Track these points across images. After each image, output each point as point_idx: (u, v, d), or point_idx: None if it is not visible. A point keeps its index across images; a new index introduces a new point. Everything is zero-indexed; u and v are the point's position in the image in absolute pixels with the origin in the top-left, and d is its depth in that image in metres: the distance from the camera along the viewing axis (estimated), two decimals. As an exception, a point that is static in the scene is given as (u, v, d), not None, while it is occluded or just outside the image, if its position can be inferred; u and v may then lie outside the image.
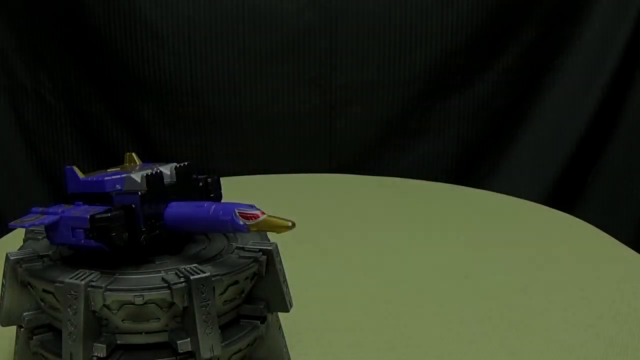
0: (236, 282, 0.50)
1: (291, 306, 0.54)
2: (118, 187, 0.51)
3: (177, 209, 0.51)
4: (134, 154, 0.61)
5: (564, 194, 1.57)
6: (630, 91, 1.55)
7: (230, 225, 0.48)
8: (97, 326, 0.47)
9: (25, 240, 0.56)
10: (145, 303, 0.46)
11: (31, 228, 0.55)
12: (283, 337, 0.56)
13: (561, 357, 0.62)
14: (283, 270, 0.54)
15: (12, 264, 0.51)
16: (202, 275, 0.47)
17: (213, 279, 0.47)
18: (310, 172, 1.47)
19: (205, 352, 0.46)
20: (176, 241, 0.53)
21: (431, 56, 1.49)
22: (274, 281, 0.53)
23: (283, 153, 1.52)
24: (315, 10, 1.45)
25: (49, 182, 1.54)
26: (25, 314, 0.51)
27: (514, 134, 1.59)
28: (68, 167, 0.53)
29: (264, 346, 0.54)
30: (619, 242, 0.94)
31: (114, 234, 0.47)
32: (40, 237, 0.56)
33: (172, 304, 0.46)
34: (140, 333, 0.47)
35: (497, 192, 1.30)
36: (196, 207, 0.51)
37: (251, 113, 1.49)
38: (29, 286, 0.50)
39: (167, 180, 0.53)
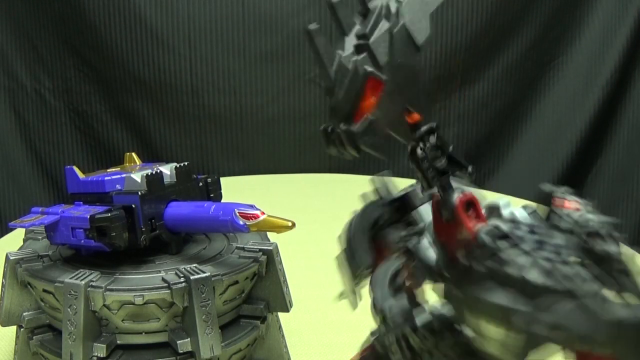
0: (236, 282, 0.50)
1: (291, 306, 0.54)
2: (118, 187, 0.51)
3: (177, 209, 0.52)
4: (134, 154, 0.61)
5: (564, 194, 1.57)
6: (630, 91, 1.55)
7: (230, 225, 0.48)
8: (97, 326, 0.47)
9: (25, 240, 0.56)
10: (145, 303, 0.46)
11: (31, 228, 0.55)
12: (283, 337, 0.56)
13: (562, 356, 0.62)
14: (283, 270, 0.54)
15: (12, 264, 0.51)
16: (202, 275, 0.47)
17: (213, 279, 0.47)
18: (310, 172, 1.47)
19: (205, 352, 0.46)
20: (176, 241, 0.53)
21: (431, 56, 1.49)
22: (274, 281, 0.53)
23: (283, 153, 1.52)
24: (315, 11, 1.45)
25: (49, 182, 1.54)
26: (25, 314, 0.51)
27: (514, 134, 1.59)
28: (68, 167, 0.53)
29: (264, 346, 0.54)
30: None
31: (114, 234, 0.47)
32: (40, 237, 0.56)
33: (172, 304, 0.46)
34: (140, 333, 0.47)
35: (497, 192, 1.30)
36: (196, 207, 0.51)
37: (251, 113, 1.49)
38: (29, 286, 0.50)
39: (167, 180, 0.53)
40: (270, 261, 0.53)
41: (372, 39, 0.32)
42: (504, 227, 0.29)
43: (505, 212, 0.33)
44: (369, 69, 0.32)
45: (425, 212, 0.39)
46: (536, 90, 1.57)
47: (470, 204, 0.33)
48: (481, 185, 0.35)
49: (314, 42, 0.32)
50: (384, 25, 0.32)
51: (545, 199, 0.30)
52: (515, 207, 0.33)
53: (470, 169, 0.34)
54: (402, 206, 0.39)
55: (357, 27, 0.33)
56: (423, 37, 0.33)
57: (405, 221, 0.40)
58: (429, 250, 0.36)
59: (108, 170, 0.56)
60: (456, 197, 0.33)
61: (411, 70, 0.33)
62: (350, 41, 0.33)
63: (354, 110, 0.33)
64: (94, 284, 0.46)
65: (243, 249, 0.53)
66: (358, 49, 0.33)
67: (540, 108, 1.58)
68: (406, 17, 0.32)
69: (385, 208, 0.39)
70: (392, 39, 0.32)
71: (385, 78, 0.32)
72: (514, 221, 0.29)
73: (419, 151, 0.35)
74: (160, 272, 0.49)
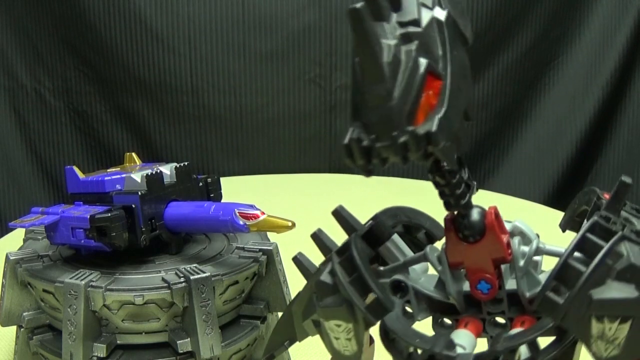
0: (236, 282, 0.50)
1: (291, 306, 0.54)
2: (118, 187, 0.51)
3: (177, 209, 0.52)
4: (134, 154, 0.61)
5: (564, 194, 1.57)
6: (630, 91, 1.55)
7: (230, 225, 0.48)
8: (97, 326, 0.47)
9: (25, 240, 0.56)
10: (145, 303, 0.46)
11: (31, 228, 0.55)
12: (283, 337, 0.56)
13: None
14: (283, 270, 0.54)
15: (12, 264, 0.51)
16: (202, 275, 0.47)
17: (213, 279, 0.47)
18: (310, 172, 1.47)
19: (205, 352, 0.46)
20: (176, 241, 0.53)
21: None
22: (274, 281, 0.53)
23: (283, 153, 1.52)
24: (315, 11, 1.45)
25: (49, 182, 1.54)
26: (25, 314, 0.51)
27: (514, 134, 1.59)
28: (68, 167, 0.53)
29: (264, 346, 0.54)
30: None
31: (114, 234, 0.47)
32: (40, 237, 0.56)
33: (172, 304, 0.46)
34: (140, 333, 0.47)
35: (497, 192, 1.30)
36: (196, 207, 0.51)
37: (251, 113, 1.49)
38: (29, 286, 0.50)
39: (167, 180, 0.53)
40: (270, 261, 0.53)
41: (423, 26, 0.27)
42: (602, 222, 0.28)
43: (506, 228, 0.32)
44: (427, 61, 0.27)
45: (395, 245, 0.37)
46: (536, 90, 1.57)
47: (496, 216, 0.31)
48: (481, 185, 0.34)
49: (363, 25, 0.25)
50: (425, 13, 0.27)
51: (624, 190, 0.30)
52: (516, 220, 0.33)
53: (474, 183, 0.32)
54: (372, 240, 0.37)
55: (394, 14, 0.27)
56: (468, 30, 0.28)
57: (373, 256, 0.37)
58: (422, 282, 0.36)
59: (108, 170, 0.56)
60: (477, 212, 0.31)
61: (466, 67, 0.28)
62: (392, 29, 0.27)
63: (416, 111, 0.27)
64: (94, 284, 0.46)
65: (243, 249, 0.53)
66: (405, 38, 0.27)
67: (540, 108, 1.58)
68: (448, 6, 0.28)
69: (364, 243, 0.36)
70: (443, 27, 0.27)
71: (443, 73, 0.27)
72: (602, 216, 0.28)
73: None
74: (160, 272, 0.49)
